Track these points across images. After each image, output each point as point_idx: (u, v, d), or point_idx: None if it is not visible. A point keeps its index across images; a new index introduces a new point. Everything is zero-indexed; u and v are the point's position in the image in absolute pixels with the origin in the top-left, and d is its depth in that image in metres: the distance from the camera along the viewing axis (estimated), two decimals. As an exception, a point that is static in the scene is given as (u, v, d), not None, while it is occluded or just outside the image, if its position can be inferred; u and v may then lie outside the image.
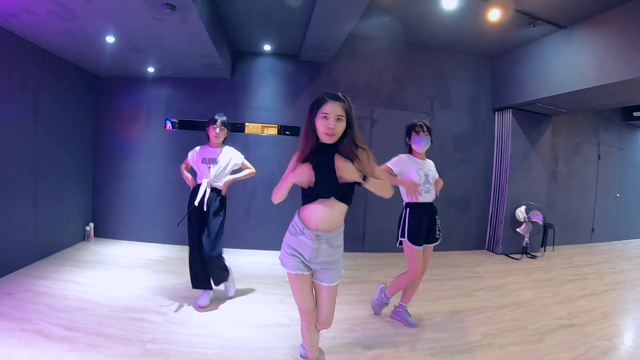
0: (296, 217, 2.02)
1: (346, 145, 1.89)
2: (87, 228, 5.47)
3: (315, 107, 1.91)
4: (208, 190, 3.30)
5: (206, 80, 5.47)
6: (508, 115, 6.04)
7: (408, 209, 3.11)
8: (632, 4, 4.01)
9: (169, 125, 5.47)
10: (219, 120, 3.35)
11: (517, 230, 5.83)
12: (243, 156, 3.53)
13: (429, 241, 3.15)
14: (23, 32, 3.83)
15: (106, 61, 4.80)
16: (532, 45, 5.41)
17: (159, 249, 5.24)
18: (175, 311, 3.27)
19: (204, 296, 3.43)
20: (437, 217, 3.18)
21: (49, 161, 4.54)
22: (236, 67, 5.57)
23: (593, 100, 5.29)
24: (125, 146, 5.58)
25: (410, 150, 3.16)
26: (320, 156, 1.92)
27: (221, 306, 3.46)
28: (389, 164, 3.06)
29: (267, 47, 5.40)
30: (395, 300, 3.45)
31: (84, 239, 5.42)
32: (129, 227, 5.59)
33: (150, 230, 5.53)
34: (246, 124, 5.51)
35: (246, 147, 5.30)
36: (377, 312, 3.43)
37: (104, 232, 5.62)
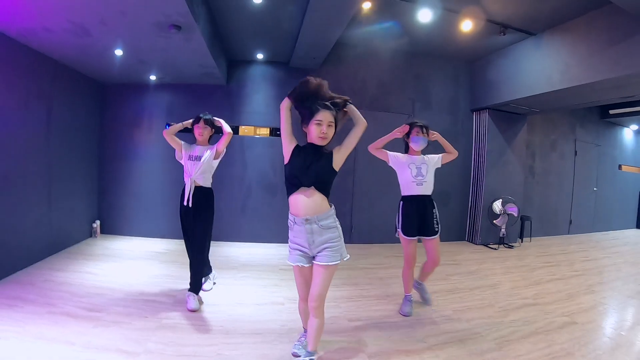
0: (289, 215, 2.30)
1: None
2: (94, 225, 5.80)
3: (308, 112, 2.19)
4: (192, 187, 3.38)
5: (204, 86, 5.85)
6: (485, 115, 6.46)
7: (402, 202, 3.35)
8: (594, 13, 4.37)
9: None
10: (202, 119, 3.46)
11: (494, 222, 6.27)
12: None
13: (425, 233, 3.29)
14: (38, 46, 4.12)
15: (113, 71, 5.13)
16: (506, 50, 5.82)
17: (162, 243, 5.63)
18: (183, 294, 3.63)
19: (191, 299, 3.40)
20: (434, 210, 3.32)
21: (60, 163, 4.84)
22: (231, 74, 5.96)
23: (562, 101, 5.70)
24: (129, 148, 5.95)
25: (407, 148, 3.41)
26: (306, 150, 2.24)
27: (223, 289, 3.86)
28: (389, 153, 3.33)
29: (259, 56, 5.79)
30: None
31: (90, 236, 5.76)
32: (133, 224, 5.97)
33: (153, 226, 5.92)
34: (240, 126, 5.90)
35: (241, 147, 5.73)
36: (405, 312, 3.41)
37: (109, 228, 5.98)
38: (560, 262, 5.55)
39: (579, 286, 4.39)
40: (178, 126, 3.51)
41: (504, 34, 5.14)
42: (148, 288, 3.81)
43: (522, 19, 4.89)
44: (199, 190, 3.43)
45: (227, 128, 3.52)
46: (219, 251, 5.22)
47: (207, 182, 3.50)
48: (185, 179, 3.45)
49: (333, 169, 2.25)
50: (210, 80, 5.59)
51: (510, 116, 6.60)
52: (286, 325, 3.07)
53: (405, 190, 3.33)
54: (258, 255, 5.27)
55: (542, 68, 5.17)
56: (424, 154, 3.37)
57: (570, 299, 3.93)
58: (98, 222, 5.89)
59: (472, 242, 6.67)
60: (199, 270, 3.48)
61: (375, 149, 3.28)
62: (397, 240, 3.44)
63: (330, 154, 2.26)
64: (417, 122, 3.32)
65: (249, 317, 3.24)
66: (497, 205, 6.24)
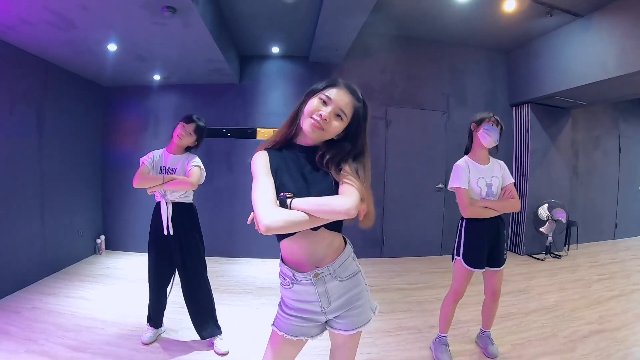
0: (281, 265, 1.46)
1: (331, 159, 1.39)
2: (98, 241, 5.42)
3: (315, 89, 1.42)
4: (170, 209, 2.73)
5: (214, 86, 5.40)
6: (527, 110, 5.89)
7: (465, 221, 2.66)
8: None
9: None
10: (195, 122, 2.76)
11: (540, 229, 5.66)
12: (196, 164, 2.79)
13: (492, 264, 2.64)
14: (22, 43, 3.80)
15: (110, 70, 4.76)
16: (548, 37, 5.26)
17: (171, 261, 5.14)
18: (186, 331, 3.08)
19: (148, 331, 2.95)
20: (505, 232, 2.68)
21: (56, 174, 4.50)
22: (244, 71, 5.50)
23: (616, 90, 5.12)
24: (135, 156, 5.45)
25: (467, 151, 2.71)
26: (292, 161, 1.43)
27: (235, 318, 3.34)
28: (454, 185, 2.58)
29: (275, 50, 5.32)
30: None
31: (95, 252, 5.37)
32: (140, 239, 5.46)
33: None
34: (257, 129, 5.40)
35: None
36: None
37: (115, 244, 5.57)
38: (614, 274, 4.98)
39: None
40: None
41: (551, 15, 4.55)
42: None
43: (569, -1, 4.35)
44: (178, 208, 2.76)
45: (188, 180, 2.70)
46: (230, 270, 4.75)
47: (186, 197, 2.81)
48: (158, 199, 2.77)
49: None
50: (221, 78, 5.13)
51: (553, 111, 6.00)
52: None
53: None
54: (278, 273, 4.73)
55: (593, 54, 4.60)
56: (496, 158, 2.71)
57: (638, 321, 3.42)
58: (102, 237, 5.50)
59: (515, 252, 6.08)
60: (206, 309, 2.87)
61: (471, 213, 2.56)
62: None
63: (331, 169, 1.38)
64: (488, 113, 2.66)
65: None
66: (544, 211, 5.63)
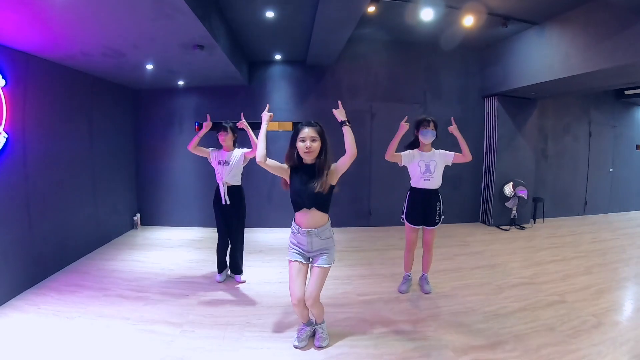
0: (293, 222, 2.62)
1: (323, 162, 2.47)
2: (135, 218, 6.43)
3: (294, 134, 2.50)
4: (226, 189, 3.86)
5: (228, 87, 6.32)
6: (495, 102, 6.67)
7: (409, 192, 3.68)
8: (592, 4, 4.47)
9: (198, 127, 6.34)
10: (227, 127, 3.90)
11: (505, 204, 6.56)
12: (243, 150, 3.96)
13: (427, 224, 3.62)
14: (77, 66, 4.59)
15: (145, 80, 5.65)
16: (512, 39, 6.00)
17: (196, 232, 6.24)
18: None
19: (221, 274, 4.13)
20: (438, 203, 3.60)
21: (102, 166, 5.41)
22: (253, 75, 6.42)
23: (567, 87, 5.85)
24: (162, 147, 6.51)
25: (412, 145, 3.64)
26: (303, 171, 2.52)
27: (252, 270, 4.36)
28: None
29: (277, 56, 6.21)
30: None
31: (132, 228, 6.38)
32: (169, 215, 6.59)
33: (187, 216, 6.53)
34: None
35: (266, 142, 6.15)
36: (402, 290, 3.82)
37: (149, 220, 6.61)
38: (566, 244, 5.67)
39: (577, 267, 4.56)
40: (195, 140, 3.93)
41: (506, 26, 5.28)
42: (187, 271, 4.38)
43: (524, 10, 4.99)
44: (231, 189, 3.91)
45: (254, 141, 3.69)
46: (249, 237, 5.58)
47: (237, 181, 3.96)
48: (218, 181, 3.92)
49: (330, 185, 2.49)
50: (234, 81, 6.02)
51: (520, 101, 6.75)
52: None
53: (414, 183, 3.65)
54: (284, 239, 5.55)
55: (544, 57, 5.32)
56: (436, 148, 3.61)
57: (565, 279, 4.15)
58: (138, 215, 6.50)
59: (485, 223, 6.95)
60: (238, 257, 4.10)
61: (390, 156, 3.54)
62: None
63: (324, 173, 2.45)
64: (424, 117, 3.54)
65: (273, 292, 3.78)
66: (508, 188, 6.52)
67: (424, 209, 3.61)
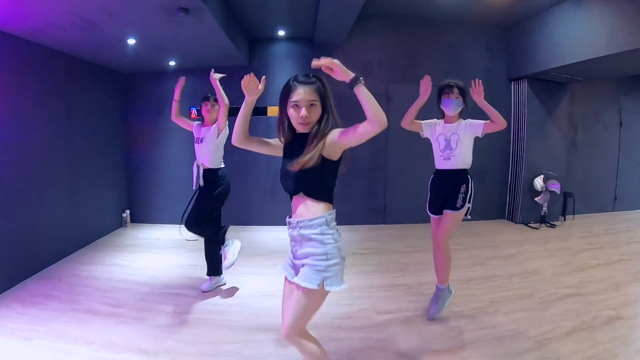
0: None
1: (316, 130, 1.69)
2: (124, 215, 5.88)
3: (284, 95, 1.72)
4: (201, 171, 3.32)
5: (226, 68, 5.53)
6: (524, 85, 6.07)
7: (432, 176, 3.05)
8: None
9: (194, 112, 5.76)
10: (211, 97, 3.41)
11: (536, 199, 5.93)
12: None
13: (446, 207, 2.89)
14: (48, 43, 4.08)
15: (129, 60, 5.08)
16: (543, 15, 5.39)
17: (190, 230, 5.60)
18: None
19: (208, 282, 3.56)
20: (464, 185, 2.86)
21: (84, 157, 4.87)
22: (253, 53, 5.81)
23: (609, 68, 5.23)
24: (154, 137, 5.95)
25: (442, 114, 3.00)
26: (294, 150, 1.76)
27: (249, 278, 3.78)
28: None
29: (281, 33, 5.59)
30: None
31: (121, 225, 5.84)
32: (162, 212, 5.99)
33: (181, 213, 5.87)
34: (268, 107, 5.71)
35: (267, 128, 5.52)
36: (430, 314, 2.97)
37: (139, 217, 6.06)
38: (605, 245, 5.11)
39: (625, 273, 4.00)
40: (175, 105, 3.56)
41: None
42: (174, 280, 3.81)
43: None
44: (207, 173, 3.33)
45: (223, 99, 3.25)
46: (247, 237, 5.10)
47: (214, 164, 3.35)
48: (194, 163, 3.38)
49: (325, 161, 1.67)
50: (232, 61, 5.42)
51: (550, 85, 6.15)
52: (312, 320, 2.91)
53: (436, 164, 3.01)
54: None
55: (584, 33, 4.71)
56: (464, 119, 2.95)
57: (615, 288, 3.59)
58: (128, 211, 5.97)
59: (512, 220, 6.36)
60: (208, 253, 3.49)
61: (408, 124, 2.96)
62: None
63: (314, 144, 1.67)
64: (447, 82, 2.91)
65: (274, 310, 3.03)
66: (539, 182, 5.90)
67: (443, 193, 2.91)
